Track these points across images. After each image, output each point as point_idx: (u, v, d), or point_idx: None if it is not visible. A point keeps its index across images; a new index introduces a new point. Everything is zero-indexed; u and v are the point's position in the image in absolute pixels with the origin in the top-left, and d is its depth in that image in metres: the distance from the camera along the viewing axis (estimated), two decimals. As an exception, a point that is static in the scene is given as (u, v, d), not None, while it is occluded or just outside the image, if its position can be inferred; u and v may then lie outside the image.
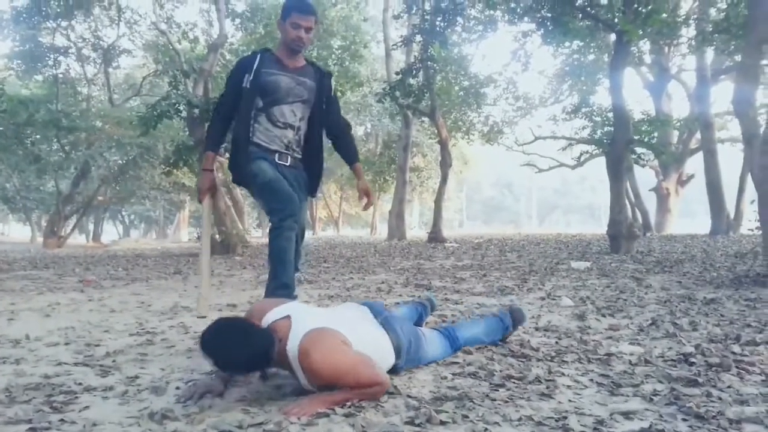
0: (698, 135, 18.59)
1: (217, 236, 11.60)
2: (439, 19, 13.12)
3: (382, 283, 5.80)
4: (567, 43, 13.94)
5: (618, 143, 9.51)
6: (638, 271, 6.47)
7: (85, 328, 3.43)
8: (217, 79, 14.06)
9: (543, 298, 4.49)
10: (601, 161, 13.45)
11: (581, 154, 19.18)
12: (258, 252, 11.55)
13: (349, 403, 1.86)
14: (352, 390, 1.87)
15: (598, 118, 15.21)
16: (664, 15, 9.70)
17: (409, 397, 1.98)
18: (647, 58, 17.88)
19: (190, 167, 13.56)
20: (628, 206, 12.12)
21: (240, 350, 1.85)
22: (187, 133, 13.41)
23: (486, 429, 1.69)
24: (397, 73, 14.66)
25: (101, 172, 20.26)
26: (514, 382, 2.15)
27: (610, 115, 12.38)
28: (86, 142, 19.15)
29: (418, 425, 1.71)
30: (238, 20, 18.07)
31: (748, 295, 4.43)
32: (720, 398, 1.94)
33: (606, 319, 3.54)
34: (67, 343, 2.98)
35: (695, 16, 13.93)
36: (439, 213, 15.22)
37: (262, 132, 2.95)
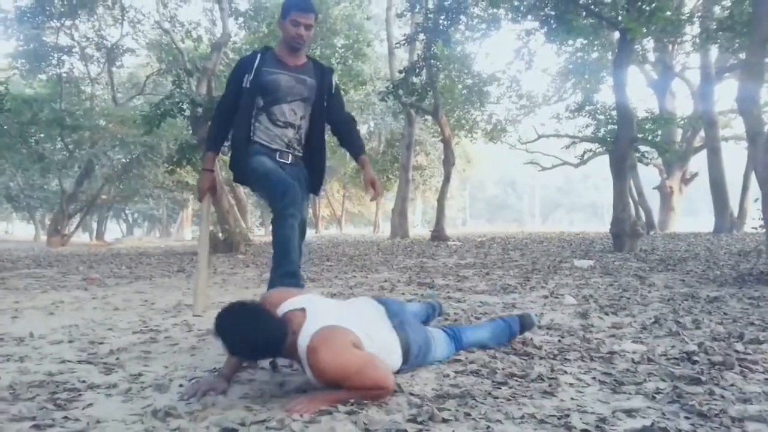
0: (702, 133, 18.55)
1: (220, 234, 11.63)
2: (442, 17, 13.13)
3: (385, 281, 5.80)
4: (570, 41, 13.94)
5: (621, 141, 9.49)
6: (641, 269, 6.46)
7: (89, 326, 3.44)
8: (220, 78, 14.06)
9: (546, 297, 4.48)
10: (605, 159, 13.43)
11: (584, 153, 19.15)
12: (261, 250, 11.56)
13: (351, 401, 1.86)
14: (356, 390, 1.88)
15: (601, 116, 15.18)
16: (668, 13, 9.66)
17: (412, 394, 1.98)
18: (651, 56, 17.83)
19: (193, 166, 13.58)
20: (632, 204, 12.12)
21: (252, 337, 1.86)
22: (191, 131, 13.45)
23: (488, 427, 1.69)
24: (400, 72, 14.67)
25: (105, 171, 20.30)
26: (516, 380, 2.15)
27: (614, 113, 12.36)
28: (90, 141, 19.21)
29: (421, 423, 1.71)
30: (241, 19, 18.08)
31: (752, 294, 4.42)
32: (723, 396, 1.94)
33: (609, 318, 3.54)
34: (70, 341, 2.99)
35: (699, 14, 13.89)
36: (442, 211, 15.20)
37: (263, 131, 2.95)
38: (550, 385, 2.08)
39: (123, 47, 20.22)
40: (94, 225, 33.46)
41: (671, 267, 6.62)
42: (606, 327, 3.24)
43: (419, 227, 36.61)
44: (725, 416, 1.74)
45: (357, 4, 19.27)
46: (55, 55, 18.71)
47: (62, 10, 17.00)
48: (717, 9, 14.07)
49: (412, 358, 2.23)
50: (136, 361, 2.56)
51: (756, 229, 7.00)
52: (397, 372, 2.21)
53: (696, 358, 2.44)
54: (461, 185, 49.64)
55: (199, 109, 11.49)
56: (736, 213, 16.22)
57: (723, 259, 7.51)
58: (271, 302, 2.13)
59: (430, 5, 13.94)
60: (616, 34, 11.33)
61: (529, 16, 11.63)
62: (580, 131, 18.57)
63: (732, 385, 2.08)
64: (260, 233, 27.77)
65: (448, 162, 14.82)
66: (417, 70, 14.14)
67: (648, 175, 20.92)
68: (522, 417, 1.77)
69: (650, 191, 19.56)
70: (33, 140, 18.14)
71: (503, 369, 2.29)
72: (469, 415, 1.78)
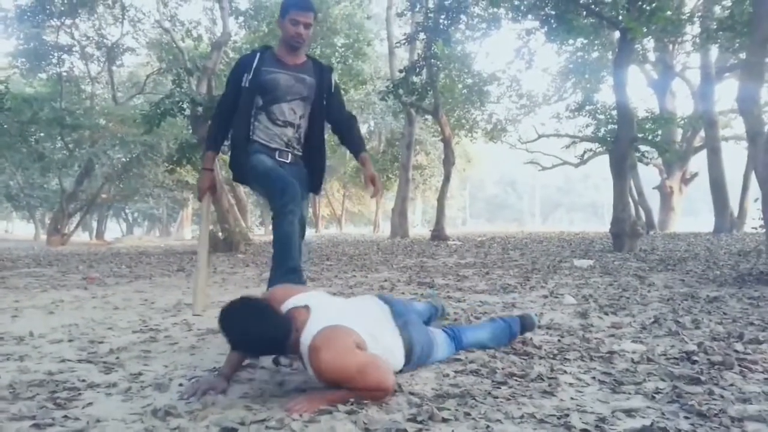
0: (702, 133, 18.55)
1: (220, 234, 11.63)
2: (442, 16, 13.12)
3: (385, 281, 5.81)
4: (571, 41, 13.92)
5: (622, 141, 9.49)
6: (641, 269, 6.46)
7: (89, 325, 3.44)
8: (220, 77, 14.05)
9: (546, 296, 4.49)
10: (605, 159, 13.43)
11: (585, 152, 19.15)
12: (261, 250, 11.56)
13: (351, 400, 1.86)
14: (356, 390, 1.87)
15: (601, 116, 15.18)
16: (669, 12, 9.66)
17: (412, 394, 1.98)
18: (651, 56, 17.84)
19: (193, 165, 13.58)
20: (632, 204, 12.12)
21: (256, 332, 1.86)
22: (191, 131, 13.44)
23: (488, 426, 1.69)
24: (400, 71, 14.67)
25: (105, 170, 20.31)
26: (516, 380, 2.15)
27: (614, 112, 12.36)
28: (90, 140, 19.20)
29: (421, 422, 1.71)
30: (241, 18, 18.08)
31: (752, 294, 4.42)
32: (722, 396, 1.94)
33: (608, 317, 3.54)
34: (70, 340, 3.00)
35: (700, 14, 13.90)
36: (442, 211, 15.20)
37: (262, 130, 2.95)
38: (549, 385, 2.08)
39: (123, 46, 20.21)
40: (94, 224, 33.46)
41: (671, 267, 6.62)
42: (606, 327, 3.24)
43: (419, 227, 36.61)
44: (725, 416, 1.74)
45: (357, 3, 19.27)
46: (56, 54, 18.70)
47: (62, 8, 16.98)
48: (717, 9, 14.07)
49: (415, 359, 2.23)
50: (136, 360, 2.56)
51: (756, 229, 7.00)
52: (399, 372, 2.21)
53: (695, 357, 2.44)
54: (461, 185, 49.64)
55: (200, 109, 11.49)
56: (736, 213, 16.23)
57: (723, 259, 7.51)
58: (275, 299, 2.12)
59: (431, 4, 13.94)
60: (617, 34, 11.33)
61: (530, 16, 11.63)
62: (581, 131, 18.57)
63: (731, 384, 2.08)
64: (260, 233, 27.77)
65: (448, 161, 14.82)
66: (417, 69, 14.13)
67: (648, 174, 20.93)
68: (522, 417, 1.77)
69: (650, 191, 19.57)
70: (33, 139, 18.13)
71: (503, 369, 2.29)
72: (468, 414, 1.78)
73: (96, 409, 1.88)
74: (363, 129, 28.90)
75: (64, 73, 19.21)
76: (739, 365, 2.30)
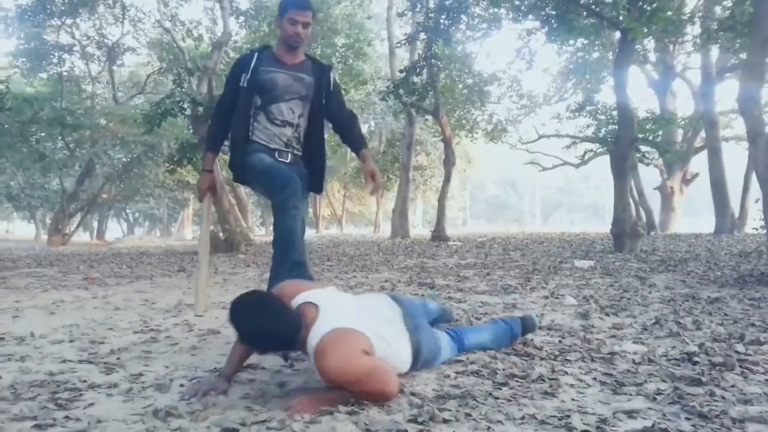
0: (703, 133, 18.54)
1: (221, 234, 11.63)
2: (443, 16, 13.12)
3: (386, 281, 5.80)
4: (571, 41, 13.92)
5: (622, 141, 9.49)
6: (642, 270, 6.46)
7: (90, 326, 3.44)
8: (221, 77, 14.03)
9: (546, 297, 4.48)
10: (605, 159, 13.44)
11: (585, 153, 19.13)
12: (261, 250, 11.56)
13: (352, 400, 1.86)
14: (359, 393, 1.87)
15: (602, 117, 15.17)
16: (669, 13, 9.66)
17: (413, 395, 1.98)
18: (652, 56, 17.83)
19: (194, 165, 13.58)
20: (632, 205, 12.11)
21: (266, 327, 1.86)
22: (191, 131, 13.45)
23: (489, 427, 1.69)
24: (401, 71, 14.67)
25: (105, 170, 20.32)
26: (517, 381, 2.15)
27: (615, 113, 12.35)
28: (91, 140, 19.21)
29: (421, 423, 1.71)
30: (242, 18, 18.07)
31: (753, 295, 4.42)
32: (723, 397, 1.94)
33: (609, 318, 3.54)
34: (71, 341, 3.00)
35: (700, 14, 13.90)
36: (443, 211, 15.19)
37: (261, 131, 2.94)
38: (550, 386, 2.08)
39: (124, 46, 20.20)
40: (95, 224, 33.47)
41: (672, 268, 6.61)
42: (607, 328, 3.24)
43: (420, 227, 36.61)
44: (726, 417, 1.74)
45: (358, 3, 19.26)
46: (56, 54, 18.71)
47: (63, 8, 16.98)
48: (718, 9, 14.06)
49: (420, 362, 2.23)
50: (137, 360, 2.56)
51: (757, 229, 7.00)
52: (403, 374, 2.21)
53: (697, 359, 2.43)
54: (462, 185, 49.62)
55: (200, 108, 11.49)
56: (736, 214, 16.22)
57: (724, 259, 7.51)
58: (285, 294, 2.11)
59: (431, 5, 13.94)
60: (617, 34, 11.32)
61: (530, 16, 11.63)
62: (581, 131, 18.56)
63: (733, 386, 2.08)
64: (261, 233, 27.77)
65: (448, 162, 14.82)
66: (418, 69, 14.13)
67: (649, 175, 20.90)
68: (523, 418, 1.77)
69: (651, 192, 19.56)
70: (34, 139, 18.14)
71: (504, 369, 2.29)
72: (469, 415, 1.78)
73: (97, 410, 1.88)
74: (363, 129, 28.85)
75: (65, 73, 19.22)
76: (741, 366, 2.30)
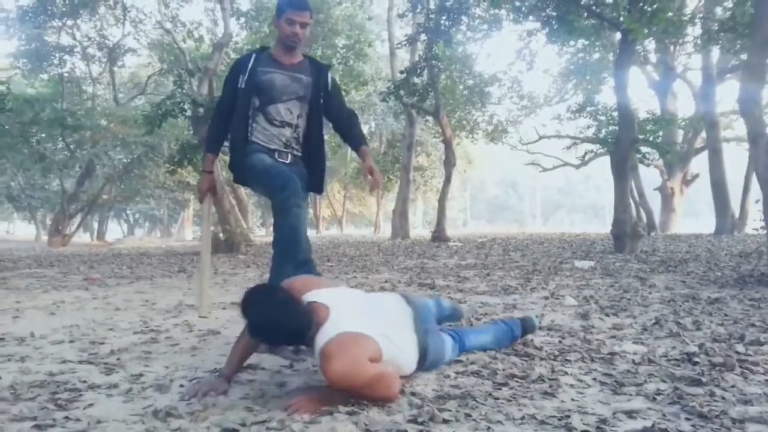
0: (703, 134, 18.53)
1: (221, 235, 11.64)
2: (443, 17, 13.13)
3: (386, 282, 5.80)
4: (572, 42, 13.90)
5: (623, 142, 9.49)
6: (642, 270, 6.45)
7: (90, 326, 3.44)
8: (221, 78, 14.02)
9: (546, 298, 4.48)
10: (606, 160, 13.43)
11: (586, 154, 19.11)
12: (262, 251, 11.57)
13: (352, 400, 1.86)
14: (359, 395, 1.87)
15: (602, 117, 15.16)
16: (670, 14, 9.66)
17: (413, 395, 1.99)
18: (652, 57, 17.82)
19: (194, 166, 13.60)
20: (633, 205, 12.10)
21: (278, 322, 1.86)
22: (192, 132, 13.45)
23: (489, 428, 1.69)
24: (401, 72, 14.67)
25: (106, 171, 20.33)
26: (517, 381, 2.15)
27: (615, 114, 12.34)
28: (91, 141, 19.22)
29: (421, 423, 1.71)
30: (242, 19, 18.08)
31: (753, 295, 4.42)
32: (723, 398, 1.94)
33: (609, 319, 3.54)
34: (71, 341, 3.00)
35: (701, 15, 13.90)
36: (443, 212, 15.19)
37: (260, 131, 2.94)
38: (550, 386, 2.08)
39: (124, 47, 20.22)
40: (95, 225, 33.50)
41: (672, 268, 6.61)
42: (607, 328, 3.24)
43: (420, 228, 36.60)
44: (726, 417, 1.74)
45: (358, 4, 19.27)
46: (57, 55, 18.72)
47: (64, 9, 17.00)
48: (719, 10, 14.06)
49: (426, 365, 2.22)
50: (137, 361, 2.56)
51: (757, 230, 6.99)
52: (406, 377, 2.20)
53: (697, 359, 2.43)
54: (462, 186, 49.63)
55: (201, 109, 11.51)
56: (737, 214, 16.21)
57: (724, 260, 7.50)
58: (295, 288, 2.10)
59: (432, 6, 13.95)
60: (618, 35, 11.32)
61: (531, 17, 11.63)
62: (582, 132, 18.54)
63: (733, 386, 2.08)
64: (261, 233, 27.78)
65: (449, 163, 14.82)
66: (418, 70, 14.13)
67: (649, 176, 20.89)
68: (522, 418, 1.77)
69: (651, 192, 19.54)
70: (34, 140, 18.16)
71: (504, 370, 2.29)
72: (469, 415, 1.78)
73: (97, 410, 1.88)
74: (364, 130, 28.94)
75: (66, 74, 19.24)
76: (741, 367, 2.30)
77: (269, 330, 1.89)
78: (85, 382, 2.20)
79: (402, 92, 14.09)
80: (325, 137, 3.16)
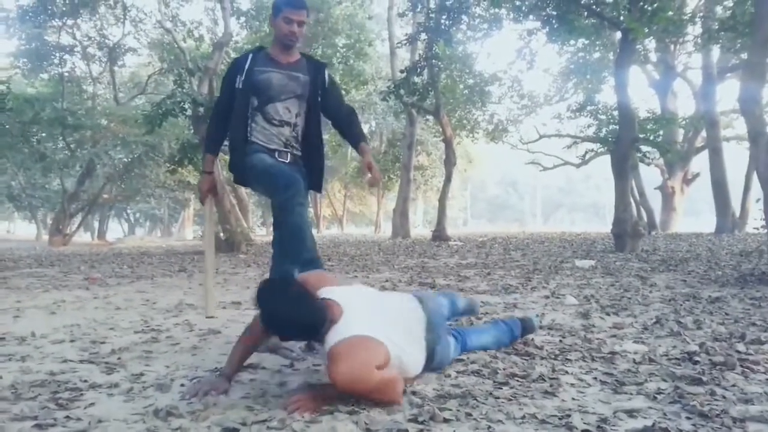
0: (704, 133, 18.53)
1: (222, 234, 11.63)
2: (444, 17, 13.12)
3: (386, 281, 5.80)
4: (572, 41, 13.91)
5: (623, 141, 9.49)
6: (643, 269, 6.45)
7: (91, 326, 3.44)
8: (221, 78, 14.07)
9: (547, 297, 4.48)
10: (606, 159, 13.42)
11: (586, 153, 19.10)
12: (262, 250, 11.57)
13: (353, 400, 1.86)
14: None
15: (603, 117, 15.16)
16: (670, 13, 9.65)
17: (413, 394, 1.99)
18: (653, 56, 17.82)
19: (195, 165, 13.59)
20: (633, 205, 12.08)
21: (292, 316, 1.85)
22: (192, 131, 13.45)
23: (489, 427, 1.69)
24: (401, 71, 14.66)
25: (106, 171, 20.33)
26: (517, 380, 2.15)
27: (616, 113, 12.34)
28: (91, 141, 19.22)
29: (422, 423, 1.71)
30: (243, 18, 18.09)
31: (753, 294, 4.42)
32: (724, 397, 1.94)
33: (610, 318, 3.54)
34: (72, 341, 3.00)
35: (701, 14, 13.89)
36: (444, 211, 15.19)
37: (259, 131, 2.93)
38: (551, 386, 2.08)
39: (125, 46, 20.20)
40: (96, 224, 33.48)
41: (673, 267, 6.61)
42: (607, 327, 3.24)
43: (420, 227, 36.61)
44: (726, 417, 1.74)
45: (358, 3, 19.27)
46: (57, 55, 18.71)
47: (64, 9, 16.99)
48: (719, 9, 14.05)
49: (430, 367, 2.23)
50: (138, 360, 2.56)
51: (757, 229, 6.99)
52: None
53: (697, 358, 2.43)
54: (462, 185, 49.63)
55: (201, 109, 11.51)
56: (737, 213, 16.21)
57: (725, 259, 7.50)
58: (309, 283, 2.08)
59: (432, 5, 13.94)
60: (618, 34, 11.32)
61: (531, 16, 11.63)
62: (582, 131, 18.55)
63: (733, 385, 2.08)
64: (261, 233, 27.78)
65: (449, 162, 14.82)
66: (418, 69, 14.13)
67: (649, 175, 20.87)
68: (523, 417, 1.77)
69: (652, 191, 19.53)
70: (35, 139, 18.15)
71: (504, 369, 2.29)
72: (470, 415, 1.78)
73: (98, 410, 1.88)
74: (364, 129, 28.98)
75: (66, 74, 19.23)
76: (741, 366, 2.30)
77: (283, 323, 1.88)
78: (85, 381, 2.20)
79: (402, 91, 14.09)
80: (325, 136, 3.16)
